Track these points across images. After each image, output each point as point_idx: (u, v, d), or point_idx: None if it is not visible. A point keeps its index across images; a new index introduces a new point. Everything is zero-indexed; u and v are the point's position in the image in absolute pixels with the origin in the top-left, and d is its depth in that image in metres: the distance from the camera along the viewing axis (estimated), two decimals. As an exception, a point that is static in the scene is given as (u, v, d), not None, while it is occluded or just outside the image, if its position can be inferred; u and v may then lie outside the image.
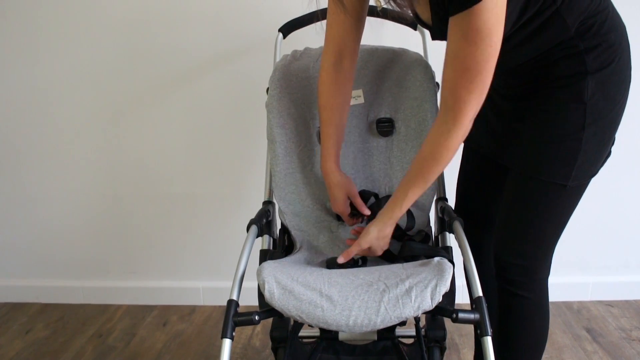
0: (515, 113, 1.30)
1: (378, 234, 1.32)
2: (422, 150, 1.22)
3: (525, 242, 1.32)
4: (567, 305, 2.29)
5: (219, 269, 2.36)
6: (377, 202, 1.50)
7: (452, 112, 1.13)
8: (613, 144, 1.29)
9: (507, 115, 1.33)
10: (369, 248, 1.33)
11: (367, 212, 1.45)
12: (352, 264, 1.36)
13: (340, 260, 1.33)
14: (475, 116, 1.14)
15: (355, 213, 1.47)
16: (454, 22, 1.06)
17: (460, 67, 1.08)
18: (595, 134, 1.19)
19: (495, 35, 1.03)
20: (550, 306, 2.21)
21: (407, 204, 1.29)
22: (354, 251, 1.33)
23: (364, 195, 1.51)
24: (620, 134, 1.27)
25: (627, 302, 2.31)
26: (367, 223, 1.44)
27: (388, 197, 1.49)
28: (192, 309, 2.38)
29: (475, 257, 1.25)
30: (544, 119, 1.22)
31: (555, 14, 1.13)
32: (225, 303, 1.16)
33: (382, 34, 1.96)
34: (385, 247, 1.35)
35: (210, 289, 2.39)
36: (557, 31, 1.15)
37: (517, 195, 1.31)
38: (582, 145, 1.19)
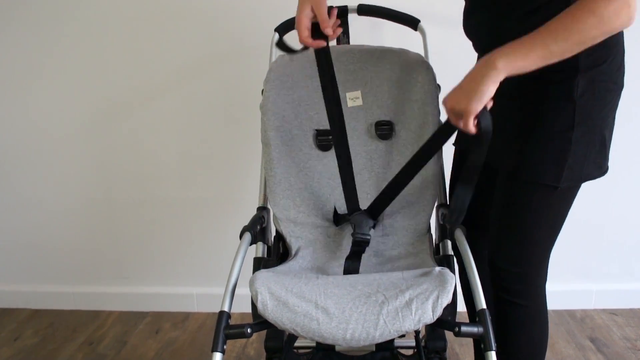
0: (503, 112, 1.25)
1: (474, 80, 1.08)
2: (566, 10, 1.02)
3: (519, 248, 1.29)
4: (570, 313, 2.24)
5: (213, 275, 2.30)
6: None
7: None
8: (607, 157, 1.24)
9: (495, 115, 1.28)
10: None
11: (330, 32, 1.29)
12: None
13: None
14: None
15: (317, 34, 1.32)
16: None
17: None
18: (584, 134, 1.16)
19: None
20: (553, 315, 2.18)
21: (538, 54, 1.03)
22: None
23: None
24: (623, 140, 1.24)
25: (631, 311, 2.26)
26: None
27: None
28: (186, 316, 2.32)
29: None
30: (533, 117, 1.19)
31: None
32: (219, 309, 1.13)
33: (381, 34, 1.92)
34: (475, 107, 1.07)
35: (204, 295, 2.34)
36: (559, 9, 1.05)
37: (508, 198, 1.27)
38: (572, 145, 1.16)
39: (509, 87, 1.22)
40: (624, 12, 0.98)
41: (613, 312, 2.25)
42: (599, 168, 1.22)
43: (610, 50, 1.14)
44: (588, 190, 1.29)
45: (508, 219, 1.28)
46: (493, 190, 1.34)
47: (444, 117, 1.45)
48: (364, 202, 1.48)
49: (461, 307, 1.56)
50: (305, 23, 1.29)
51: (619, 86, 1.19)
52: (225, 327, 1.09)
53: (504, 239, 1.30)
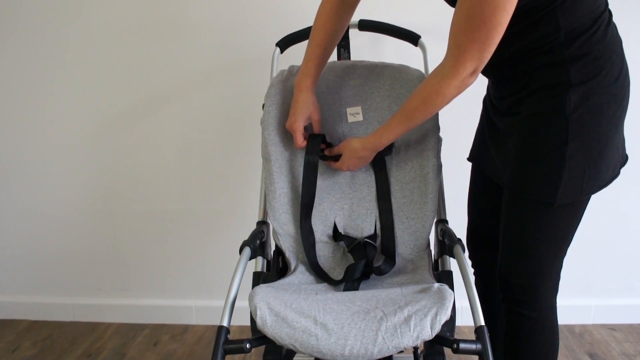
0: (505, 129, 1.28)
1: (353, 151, 1.38)
2: (416, 90, 1.22)
3: (522, 261, 1.30)
4: (569, 328, 2.24)
5: (212, 288, 2.31)
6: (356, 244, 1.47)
7: (452, 57, 1.11)
8: (624, 162, 1.25)
9: (499, 132, 1.32)
10: (343, 160, 1.41)
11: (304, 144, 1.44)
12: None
13: (327, 152, 1.45)
14: (476, 72, 1.12)
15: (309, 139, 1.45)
16: None
17: (466, 13, 1.06)
18: (579, 149, 1.15)
19: None
20: (553, 330, 2.15)
21: (388, 136, 1.31)
22: (333, 150, 1.44)
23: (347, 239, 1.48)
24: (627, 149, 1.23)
25: (630, 326, 2.25)
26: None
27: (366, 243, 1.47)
28: (184, 329, 2.32)
29: (487, 279, 1.19)
30: (528, 134, 1.20)
31: (551, 13, 1.10)
32: (218, 323, 1.13)
33: (382, 49, 1.93)
34: (354, 168, 1.42)
35: (203, 308, 2.34)
36: (547, 30, 1.12)
37: (509, 214, 1.29)
38: (567, 161, 1.15)
39: (510, 104, 1.23)
40: (463, 85, 1.13)
41: (612, 328, 2.25)
42: (600, 182, 1.21)
43: (604, 63, 1.13)
44: (587, 205, 1.29)
45: (511, 234, 1.30)
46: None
47: (442, 132, 1.46)
48: (365, 219, 1.49)
49: (459, 321, 1.57)
50: (302, 129, 1.41)
51: (619, 98, 1.17)
52: (224, 342, 1.09)
53: (509, 252, 1.31)
